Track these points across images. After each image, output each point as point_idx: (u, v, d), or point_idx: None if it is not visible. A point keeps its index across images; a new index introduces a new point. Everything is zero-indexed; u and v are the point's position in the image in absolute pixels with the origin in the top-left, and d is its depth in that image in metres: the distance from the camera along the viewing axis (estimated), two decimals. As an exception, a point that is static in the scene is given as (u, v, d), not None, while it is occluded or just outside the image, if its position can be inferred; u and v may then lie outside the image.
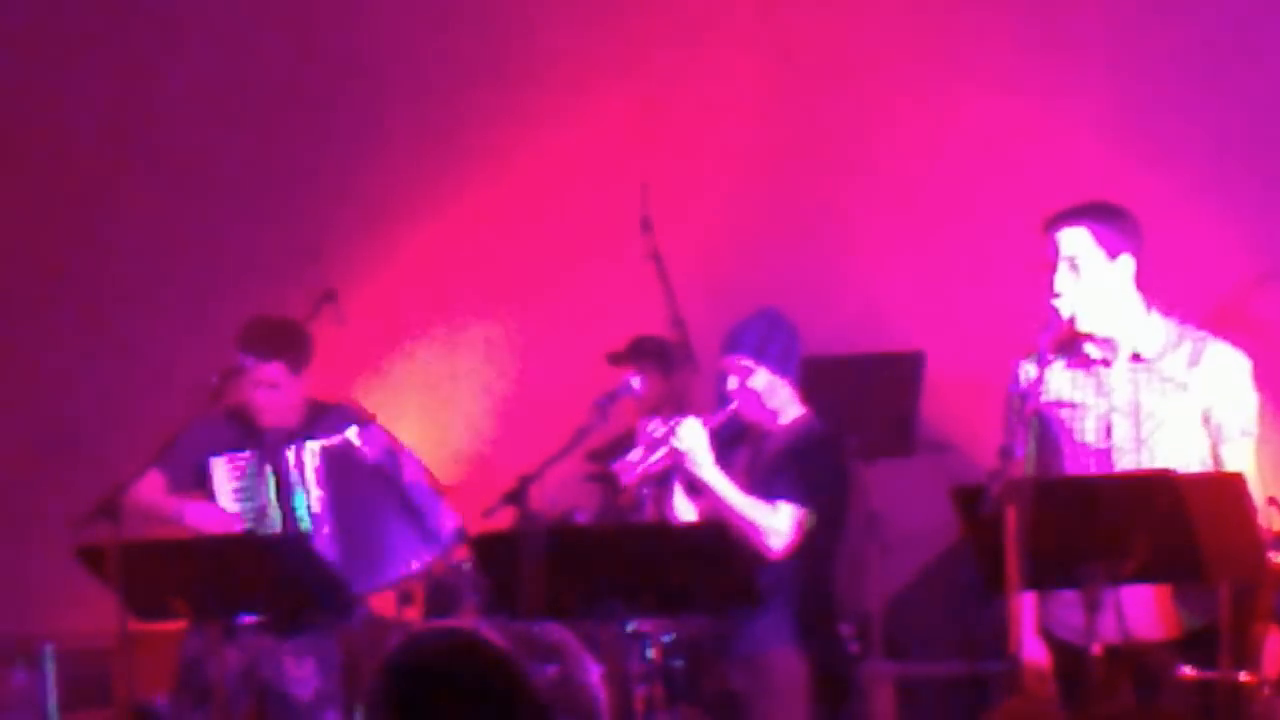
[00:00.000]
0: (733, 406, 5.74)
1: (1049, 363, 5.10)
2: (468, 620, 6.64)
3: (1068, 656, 5.07)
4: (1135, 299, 5.15)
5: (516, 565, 5.25)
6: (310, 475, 6.22)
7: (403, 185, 8.44)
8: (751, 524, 5.61)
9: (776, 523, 5.62)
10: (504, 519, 5.63)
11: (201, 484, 6.27)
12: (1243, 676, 4.97)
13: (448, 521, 6.33)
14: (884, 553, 7.25)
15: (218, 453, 6.25)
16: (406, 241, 8.42)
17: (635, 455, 5.63)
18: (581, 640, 6.41)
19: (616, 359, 7.13)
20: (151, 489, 6.18)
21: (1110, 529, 4.76)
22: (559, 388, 7.53)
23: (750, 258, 7.86)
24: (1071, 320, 5.11)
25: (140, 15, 8.72)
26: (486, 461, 8.02)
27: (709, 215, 7.93)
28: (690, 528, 5.61)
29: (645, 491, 6.21)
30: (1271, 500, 5.10)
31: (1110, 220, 5.14)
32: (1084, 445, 5.15)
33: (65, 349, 8.68)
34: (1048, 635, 5.16)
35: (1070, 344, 5.18)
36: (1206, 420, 5.11)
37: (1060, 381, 5.18)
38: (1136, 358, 5.13)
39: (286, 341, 6.23)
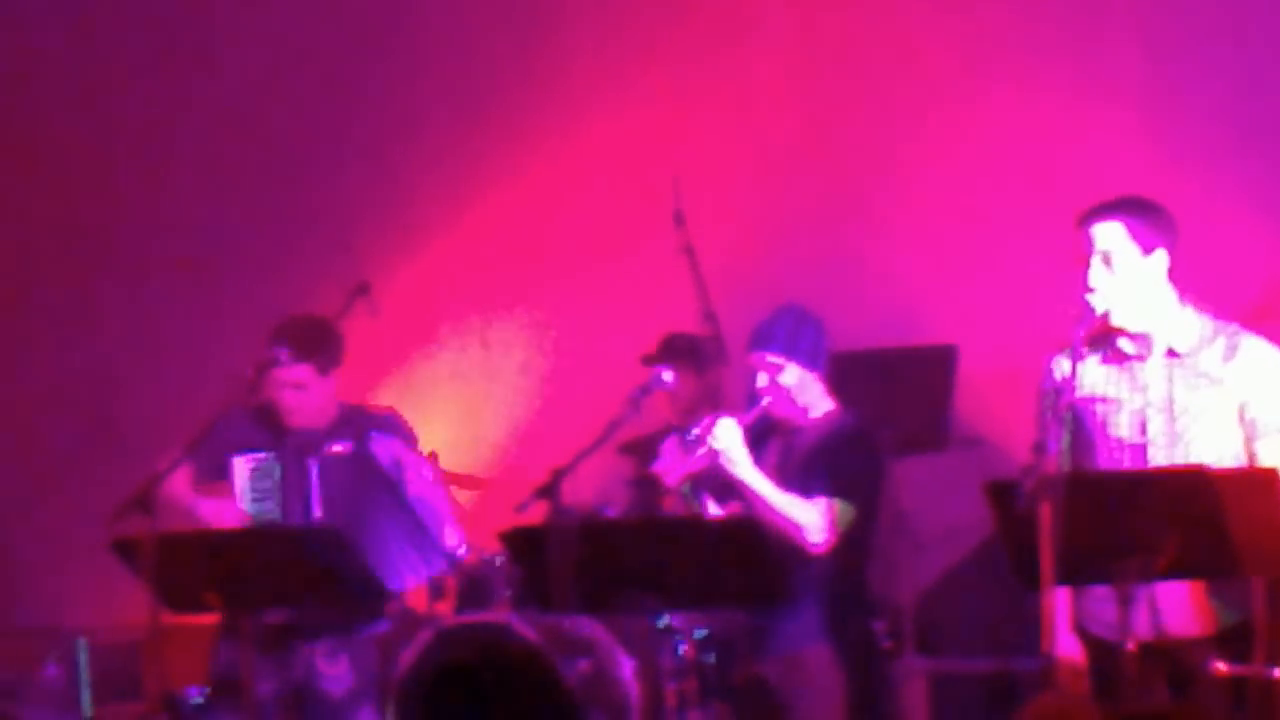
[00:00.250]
0: (765, 404, 5.73)
1: (1082, 357, 5.08)
2: (500, 614, 6.64)
3: (1102, 652, 5.06)
4: (1170, 294, 5.13)
5: (548, 559, 5.24)
6: (317, 483, 6.15)
7: (436, 180, 8.44)
8: (792, 521, 5.59)
9: (816, 519, 5.61)
10: (537, 513, 5.62)
11: (226, 478, 6.24)
12: (1277, 673, 4.95)
13: (449, 540, 6.24)
14: (916, 548, 7.24)
15: (242, 450, 6.20)
16: (439, 235, 8.43)
17: (672, 457, 5.62)
18: (614, 635, 6.41)
19: (650, 360, 7.12)
20: (179, 482, 6.15)
21: (1144, 525, 4.75)
22: (591, 381, 7.53)
23: (782, 252, 7.85)
24: (1105, 315, 5.10)
25: (181, 11, 8.74)
26: (519, 455, 8.02)
27: (741, 210, 7.92)
28: (721, 522, 5.60)
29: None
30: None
31: (1145, 215, 5.13)
32: (1118, 440, 5.13)
33: (102, 345, 8.70)
34: (1082, 631, 5.14)
35: (1104, 339, 5.16)
36: (1241, 415, 5.09)
37: (1094, 376, 5.16)
38: (1171, 353, 5.11)
39: (316, 343, 6.16)
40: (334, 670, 6.11)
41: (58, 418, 8.70)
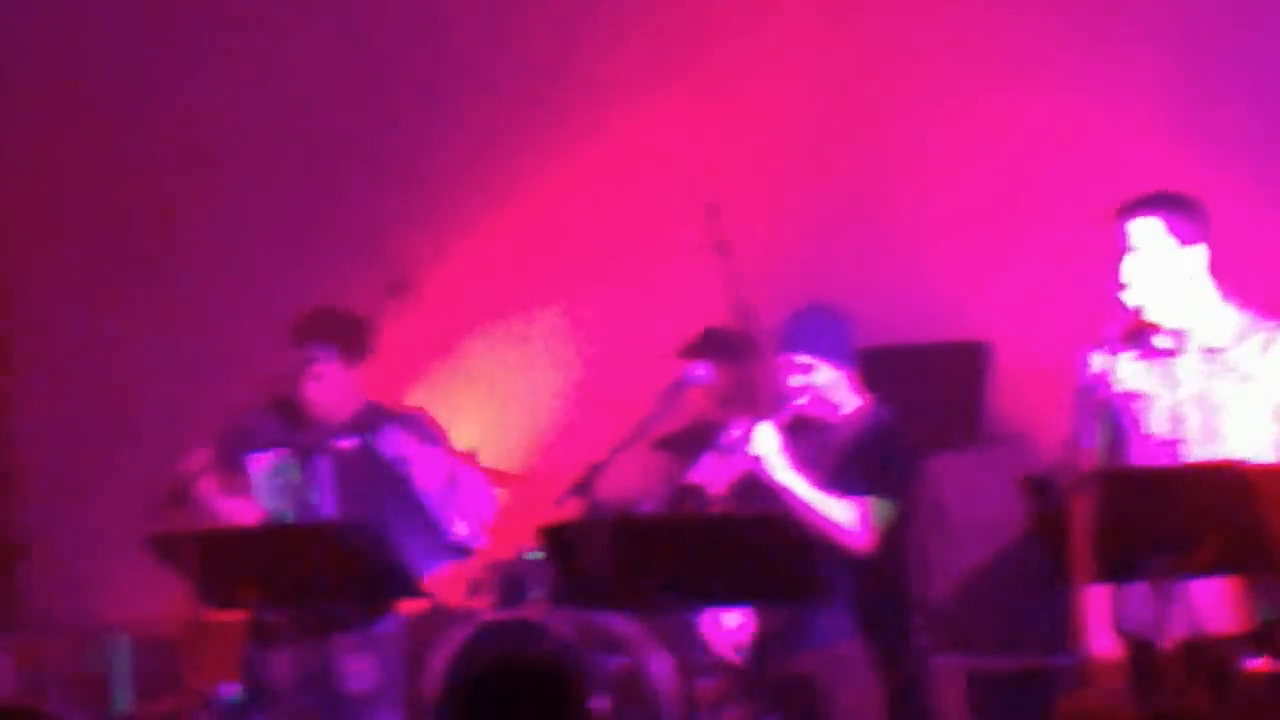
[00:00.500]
0: (799, 403, 5.72)
1: (1117, 353, 5.08)
2: (535, 611, 6.65)
3: (1137, 650, 5.05)
4: (1209, 288, 5.12)
5: (584, 555, 5.25)
6: (329, 479, 6.12)
7: (466, 176, 8.46)
8: (833, 523, 5.59)
9: (857, 518, 5.60)
10: (572, 508, 5.63)
11: (241, 473, 6.18)
12: (1315, 669, 4.96)
13: (458, 531, 6.17)
14: (949, 544, 7.23)
15: (261, 445, 6.15)
16: (472, 231, 8.44)
17: (711, 466, 5.61)
18: (650, 632, 6.41)
19: (689, 353, 7.13)
20: (203, 478, 6.12)
21: (1180, 521, 4.74)
22: (625, 376, 7.53)
23: (815, 247, 7.84)
24: (1139, 310, 5.09)
25: (223, 10, 8.77)
26: (554, 451, 8.03)
27: (774, 205, 7.92)
28: (755, 518, 5.59)
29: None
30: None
31: (1182, 210, 5.12)
32: (1152, 436, 5.13)
33: (139, 340, 8.73)
34: (1117, 628, 5.13)
35: (1139, 334, 5.15)
36: (1277, 411, 5.08)
37: (1130, 372, 5.15)
38: (1207, 348, 5.10)
39: (335, 332, 6.11)
40: (359, 667, 6.08)
41: (94, 412, 8.72)
